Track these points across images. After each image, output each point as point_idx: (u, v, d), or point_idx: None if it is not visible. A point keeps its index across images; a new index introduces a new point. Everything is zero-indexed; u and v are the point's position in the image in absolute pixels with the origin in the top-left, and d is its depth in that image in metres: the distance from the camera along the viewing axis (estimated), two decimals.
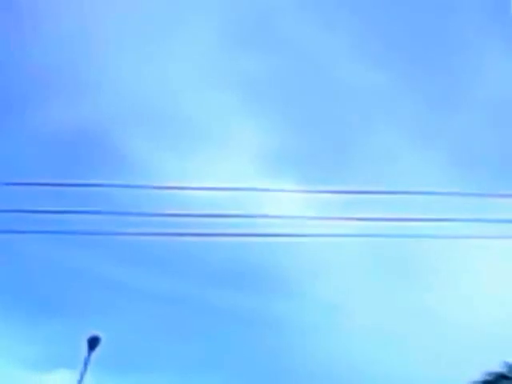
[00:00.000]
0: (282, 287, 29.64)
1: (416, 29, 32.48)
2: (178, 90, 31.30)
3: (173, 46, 31.75)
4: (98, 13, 30.15)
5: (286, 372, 26.45)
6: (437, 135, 31.95)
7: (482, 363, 20.59)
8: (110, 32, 31.08)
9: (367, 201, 13.38)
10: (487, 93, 31.10)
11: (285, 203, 14.26)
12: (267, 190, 14.24)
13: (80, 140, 31.31)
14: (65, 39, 30.92)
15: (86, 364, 21.05)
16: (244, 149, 31.16)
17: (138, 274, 28.72)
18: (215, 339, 28.85)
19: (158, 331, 28.20)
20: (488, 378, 20.55)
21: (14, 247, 21.69)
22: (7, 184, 13.30)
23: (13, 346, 25.99)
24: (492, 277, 25.78)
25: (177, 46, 31.75)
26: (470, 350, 24.08)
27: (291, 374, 26.16)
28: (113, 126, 31.31)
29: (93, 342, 21.19)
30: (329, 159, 31.38)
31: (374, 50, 32.27)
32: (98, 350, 21.41)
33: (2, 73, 29.26)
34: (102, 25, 30.65)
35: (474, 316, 25.98)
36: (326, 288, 29.15)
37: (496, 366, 20.63)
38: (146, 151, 30.97)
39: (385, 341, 27.00)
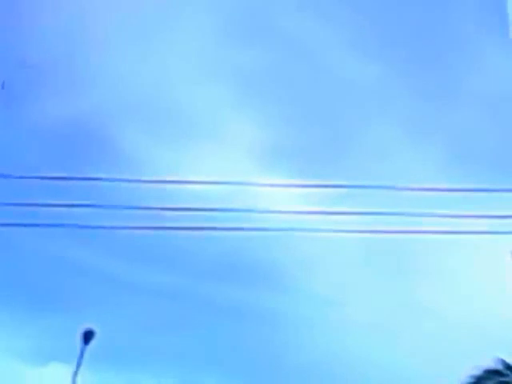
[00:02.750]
0: (276, 281, 29.69)
1: (413, 23, 32.47)
2: (174, 84, 31.31)
3: (169, 41, 31.74)
4: (96, 7, 30.12)
5: (280, 366, 26.52)
6: (434, 130, 31.94)
7: (476, 359, 20.66)
8: (107, 27, 31.06)
9: (362, 195, 13.36)
10: (485, 87, 31.10)
11: (279, 197, 14.25)
12: (262, 184, 14.23)
13: (76, 134, 31.28)
14: (62, 33, 30.88)
15: (80, 358, 21.05)
16: (239, 143, 31.15)
17: (133, 268, 28.78)
18: (210, 333, 28.89)
19: (152, 325, 28.23)
20: (481, 373, 20.60)
21: (10, 240, 21.65)
22: (4, 177, 13.28)
23: (7, 339, 25.99)
24: (488, 273, 25.81)
25: (173, 41, 31.74)
26: (464, 345, 24.13)
27: (285, 368, 26.22)
28: (109, 120, 31.28)
29: (87, 336, 21.17)
30: (324, 153, 31.37)
31: (371, 45, 32.27)
32: (93, 343, 21.41)
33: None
34: (99, 19, 30.62)
35: (469, 312, 26.03)
36: (321, 282, 29.19)
37: (490, 362, 20.71)
38: (142, 145, 30.98)
39: (379, 336, 27.05)
